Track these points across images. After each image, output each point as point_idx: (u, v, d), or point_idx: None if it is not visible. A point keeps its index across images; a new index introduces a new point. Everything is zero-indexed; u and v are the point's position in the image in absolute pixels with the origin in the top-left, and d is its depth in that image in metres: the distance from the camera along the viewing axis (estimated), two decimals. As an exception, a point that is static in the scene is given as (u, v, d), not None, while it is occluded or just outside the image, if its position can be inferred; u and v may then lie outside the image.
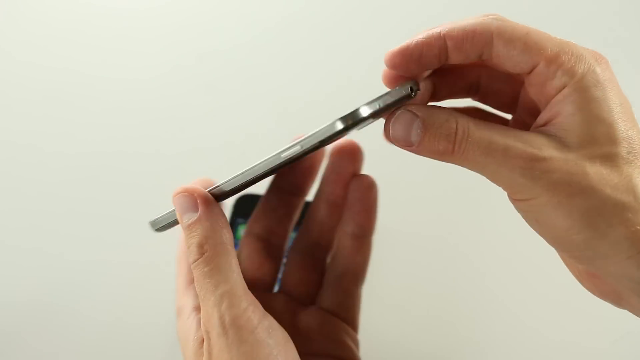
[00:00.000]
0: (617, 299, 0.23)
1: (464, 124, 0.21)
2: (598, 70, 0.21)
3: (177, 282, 0.29)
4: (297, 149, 0.21)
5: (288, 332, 0.25)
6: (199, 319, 0.25)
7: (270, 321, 0.24)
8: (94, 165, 0.52)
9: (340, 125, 0.20)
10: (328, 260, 0.31)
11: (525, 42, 0.20)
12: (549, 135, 0.21)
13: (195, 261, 0.24)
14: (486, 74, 0.25)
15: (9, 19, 0.59)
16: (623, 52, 0.55)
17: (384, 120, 0.23)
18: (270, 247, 0.30)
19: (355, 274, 0.30)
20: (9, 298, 0.46)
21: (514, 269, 0.45)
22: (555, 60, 0.20)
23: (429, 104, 0.24)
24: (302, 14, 0.59)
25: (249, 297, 0.24)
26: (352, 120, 0.20)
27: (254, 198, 0.33)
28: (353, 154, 0.30)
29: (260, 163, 0.23)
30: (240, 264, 0.29)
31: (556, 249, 0.22)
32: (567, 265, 0.25)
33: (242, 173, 0.24)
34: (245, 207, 0.41)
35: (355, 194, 0.30)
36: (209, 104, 0.55)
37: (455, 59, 0.22)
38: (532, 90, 0.22)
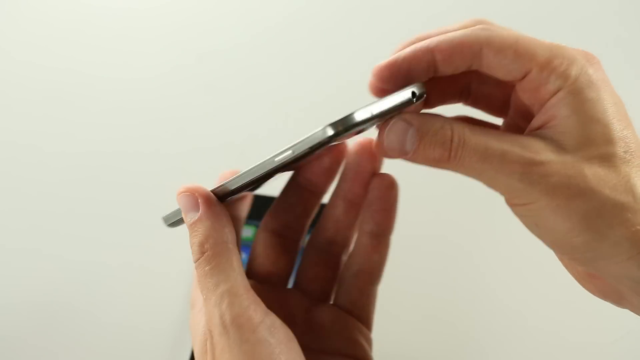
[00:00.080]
0: (618, 299, 0.23)
1: (459, 131, 0.21)
2: (591, 71, 0.20)
3: (194, 274, 0.29)
4: (289, 154, 0.21)
5: (301, 329, 0.24)
6: None
7: (272, 319, 0.23)
8: (94, 165, 0.52)
9: (330, 132, 0.20)
10: (343, 258, 0.31)
11: (516, 50, 0.20)
12: (545, 138, 0.21)
13: (197, 260, 0.24)
14: (476, 79, 0.25)
15: (9, 19, 0.59)
16: (623, 53, 0.55)
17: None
18: (286, 242, 0.30)
19: (371, 273, 0.30)
20: (8, 299, 0.46)
21: (516, 269, 0.45)
22: (548, 65, 0.20)
23: (422, 111, 0.24)
24: (302, 14, 0.59)
25: (251, 295, 0.24)
26: (343, 127, 0.20)
27: (267, 200, 0.33)
28: (373, 153, 0.30)
29: (257, 165, 0.23)
30: (255, 259, 0.29)
31: (556, 252, 0.22)
32: (566, 267, 0.25)
33: (242, 174, 0.24)
34: (258, 209, 0.40)
35: (375, 192, 0.29)
36: (209, 104, 0.55)
37: (444, 71, 0.22)
38: (524, 95, 0.22)
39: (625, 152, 0.20)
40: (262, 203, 0.33)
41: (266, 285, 0.28)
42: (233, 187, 0.25)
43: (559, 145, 0.20)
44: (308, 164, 0.30)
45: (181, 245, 0.46)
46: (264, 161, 0.22)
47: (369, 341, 0.30)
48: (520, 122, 0.24)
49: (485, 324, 0.44)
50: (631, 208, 0.20)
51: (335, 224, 0.30)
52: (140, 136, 0.53)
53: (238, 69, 0.56)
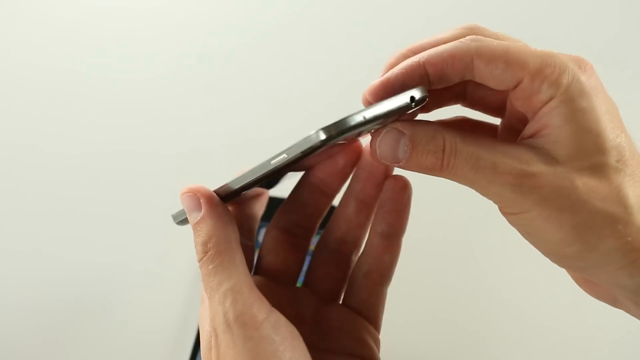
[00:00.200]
0: (613, 302, 0.24)
1: (451, 140, 0.21)
2: (583, 78, 0.20)
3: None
4: (284, 157, 0.21)
5: (309, 327, 0.24)
6: None
7: (276, 317, 0.23)
8: (94, 165, 0.52)
9: (322, 136, 0.19)
10: (354, 258, 0.31)
11: (506, 60, 0.20)
12: (537, 148, 0.21)
13: (201, 259, 0.24)
14: (472, 84, 0.25)
15: (8, 18, 0.59)
16: (620, 52, 0.55)
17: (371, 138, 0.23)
18: (296, 241, 0.30)
19: (381, 274, 0.30)
20: (8, 299, 0.46)
21: (521, 268, 0.45)
22: (539, 74, 0.20)
23: (416, 117, 0.24)
24: (302, 14, 0.59)
25: (254, 293, 0.24)
26: (336, 131, 0.20)
27: (280, 201, 0.33)
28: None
29: (254, 168, 0.23)
30: (264, 256, 0.29)
31: (550, 259, 0.23)
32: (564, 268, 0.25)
33: (241, 176, 0.24)
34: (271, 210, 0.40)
35: (388, 193, 0.30)
36: (209, 104, 0.55)
37: (437, 84, 0.22)
38: (517, 103, 0.22)
39: (617, 160, 0.20)
40: (275, 205, 0.33)
41: (275, 282, 0.28)
42: (235, 188, 0.25)
43: (550, 156, 0.20)
44: (321, 163, 0.30)
45: (181, 245, 0.46)
46: (261, 163, 0.22)
47: (377, 342, 0.30)
48: (516, 124, 0.24)
49: (492, 322, 0.44)
50: (622, 219, 0.20)
51: (347, 223, 0.31)
52: (140, 136, 0.53)
53: (238, 69, 0.56)
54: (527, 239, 0.22)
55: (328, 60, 0.57)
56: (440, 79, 0.22)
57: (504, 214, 0.22)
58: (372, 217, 0.31)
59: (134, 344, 0.44)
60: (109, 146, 0.53)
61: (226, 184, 0.25)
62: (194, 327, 0.44)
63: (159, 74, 0.56)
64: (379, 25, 0.58)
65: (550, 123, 0.20)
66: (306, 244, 0.31)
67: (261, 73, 0.56)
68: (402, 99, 0.21)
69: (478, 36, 0.21)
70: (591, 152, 0.20)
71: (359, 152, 0.30)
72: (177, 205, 0.27)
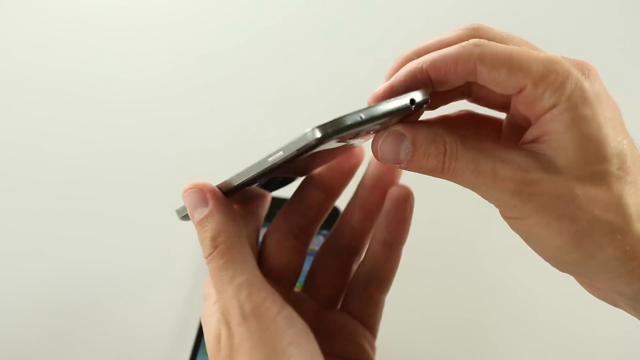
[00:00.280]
0: (613, 304, 0.24)
1: (452, 144, 0.21)
2: (586, 85, 0.20)
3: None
4: (280, 154, 0.21)
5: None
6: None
7: (290, 311, 0.24)
8: (93, 165, 0.52)
9: (318, 134, 0.19)
10: (354, 266, 0.32)
11: (509, 67, 0.20)
12: (538, 154, 0.21)
13: (210, 255, 0.25)
14: (476, 83, 0.25)
15: (8, 18, 0.59)
16: (625, 52, 0.55)
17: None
18: (296, 244, 0.30)
19: (381, 281, 0.31)
20: (8, 299, 0.46)
21: (522, 265, 0.45)
22: (542, 81, 0.20)
23: (421, 114, 0.24)
24: (302, 14, 0.59)
25: (267, 287, 0.24)
26: (332, 129, 0.19)
27: (277, 201, 0.33)
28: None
29: (253, 165, 0.23)
30: (265, 259, 0.29)
31: (550, 264, 0.23)
32: None
33: (240, 173, 0.24)
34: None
35: (391, 202, 0.30)
36: (209, 104, 0.55)
37: (441, 88, 0.22)
38: (521, 107, 0.22)
39: (619, 168, 0.20)
40: (277, 205, 0.33)
41: (276, 284, 0.28)
42: (234, 184, 0.25)
43: (551, 163, 0.21)
44: (323, 166, 0.30)
45: (182, 244, 0.46)
46: (259, 161, 0.22)
47: (373, 348, 0.30)
48: (521, 121, 0.24)
49: (496, 320, 0.45)
50: (621, 229, 0.20)
51: (351, 231, 0.31)
52: (140, 136, 0.53)
53: (238, 69, 0.56)
54: (527, 244, 0.23)
55: (328, 60, 0.57)
56: (443, 83, 0.22)
57: (505, 218, 0.22)
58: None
59: (134, 343, 0.44)
60: (108, 146, 0.53)
61: (225, 181, 0.25)
62: (195, 326, 0.44)
63: (159, 74, 0.56)
64: (379, 24, 0.58)
65: (552, 130, 0.20)
66: (306, 247, 0.31)
67: (261, 73, 0.56)
68: (402, 101, 0.21)
69: (481, 40, 0.21)
70: (592, 161, 0.20)
71: (359, 155, 0.30)
72: (178, 204, 0.27)
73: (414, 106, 0.21)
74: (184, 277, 0.46)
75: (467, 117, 0.27)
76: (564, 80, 0.20)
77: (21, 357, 0.44)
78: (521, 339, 0.44)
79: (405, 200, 0.30)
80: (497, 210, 0.22)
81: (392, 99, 0.21)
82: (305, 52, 0.57)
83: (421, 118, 0.25)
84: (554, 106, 0.20)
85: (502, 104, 0.25)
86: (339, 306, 0.31)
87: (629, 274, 0.21)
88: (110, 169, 0.51)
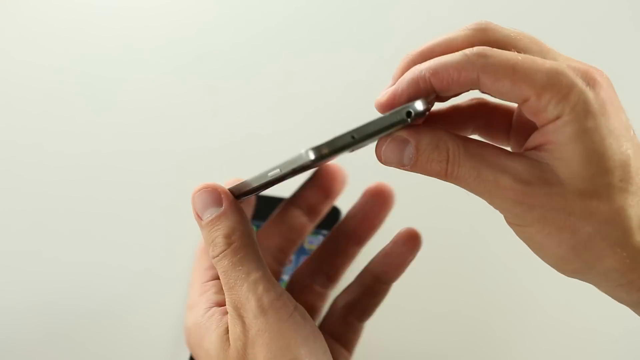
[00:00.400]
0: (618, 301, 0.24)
1: (455, 151, 0.21)
2: (590, 96, 0.20)
3: (194, 277, 0.29)
4: (277, 172, 0.22)
5: None
6: (220, 313, 0.26)
7: (302, 309, 0.25)
8: (93, 164, 0.52)
9: (312, 156, 0.20)
10: (329, 291, 0.32)
11: (513, 80, 0.20)
12: (540, 163, 0.21)
13: (222, 252, 0.25)
14: None
15: (8, 18, 0.59)
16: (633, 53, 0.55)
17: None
18: (275, 265, 0.31)
19: (363, 311, 0.32)
20: (8, 300, 0.46)
21: (522, 264, 0.45)
22: (545, 93, 0.20)
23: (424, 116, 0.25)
24: (303, 13, 0.59)
25: (280, 286, 0.25)
26: (328, 150, 0.20)
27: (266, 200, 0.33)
28: (385, 199, 0.32)
29: (255, 177, 0.24)
30: None
31: (554, 269, 0.23)
32: None
33: (243, 183, 0.25)
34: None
35: (399, 247, 0.31)
36: (209, 103, 0.55)
37: (445, 95, 0.22)
38: (526, 113, 0.22)
39: (621, 180, 0.20)
40: (271, 204, 0.33)
41: None
42: (237, 193, 0.26)
43: (553, 173, 0.21)
44: (307, 187, 0.31)
45: (182, 244, 0.46)
46: (260, 174, 0.23)
47: None
48: (528, 120, 0.24)
49: (496, 317, 0.44)
50: (620, 242, 0.21)
51: (333, 258, 0.32)
52: (140, 135, 0.53)
53: (238, 68, 0.56)
54: (531, 250, 0.23)
55: (328, 59, 0.57)
56: (447, 91, 0.22)
57: (509, 224, 0.23)
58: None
59: (134, 343, 0.44)
60: (108, 145, 0.52)
61: (235, 186, 0.26)
62: (194, 327, 0.44)
63: (159, 74, 0.56)
64: (380, 23, 0.58)
65: (555, 140, 0.21)
66: (282, 268, 0.32)
67: (261, 72, 0.56)
68: (397, 117, 0.21)
69: (485, 49, 0.21)
70: (594, 174, 0.20)
71: (344, 180, 0.31)
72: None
73: (409, 119, 0.21)
74: (185, 277, 0.46)
75: (478, 107, 0.27)
76: (568, 92, 0.20)
77: (21, 357, 0.44)
78: (521, 337, 0.44)
79: (414, 249, 0.31)
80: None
81: (388, 113, 0.21)
82: (305, 51, 0.57)
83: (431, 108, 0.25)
84: (557, 118, 0.20)
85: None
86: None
87: (629, 284, 0.21)
88: (110, 168, 0.51)
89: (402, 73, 0.23)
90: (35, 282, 0.46)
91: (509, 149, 0.26)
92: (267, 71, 0.56)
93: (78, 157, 0.52)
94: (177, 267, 0.46)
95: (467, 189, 0.22)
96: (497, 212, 0.23)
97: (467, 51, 0.21)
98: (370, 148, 0.24)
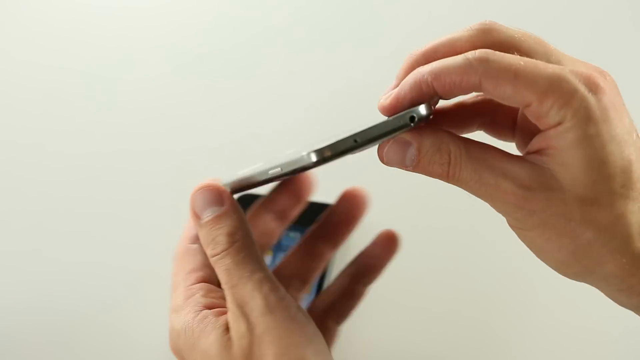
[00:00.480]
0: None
1: (456, 154, 0.21)
2: (592, 103, 0.20)
3: (175, 280, 0.29)
4: (278, 170, 0.22)
5: None
6: (213, 315, 0.25)
7: (304, 310, 0.25)
8: (93, 164, 0.52)
9: (314, 158, 0.20)
10: (300, 294, 0.33)
11: (514, 85, 0.20)
12: (542, 167, 0.21)
13: (224, 250, 0.25)
14: None
15: (9, 18, 0.59)
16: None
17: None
18: None
19: (340, 314, 0.32)
20: (8, 300, 0.46)
21: (522, 263, 0.45)
22: (547, 99, 0.20)
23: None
24: (302, 13, 0.59)
25: (282, 286, 0.25)
26: (331, 153, 0.20)
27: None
28: (359, 203, 0.32)
29: (255, 173, 0.24)
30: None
31: (556, 271, 0.23)
32: None
33: (243, 177, 0.25)
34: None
35: (377, 249, 0.32)
36: (209, 103, 0.55)
37: (448, 98, 0.22)
38: (529, 116, 0.22)
39: (622, 186, 0.20)
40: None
41: None
42: (232, 189, 0.26)
43: (554, 178, 0.21)
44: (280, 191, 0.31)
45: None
46: (260, 171, 0.24)
47: None
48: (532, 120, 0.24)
49: (496, 316, 0.44)
50: (620, 249, 0.21)
51: (300, 262, 0.32)
52: (140, 135, 0.53)
53: (237, 67, 0.56)
54: (533, 253, 0.23)
55: (328, 59, 0.57)
56: (449, 95, 0.22)
57: (510, 226, 0.23)
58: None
59: (134, 342, 0.44)
60: (108, 145, 0.53)
61: (227, 182, 0.26)
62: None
63: (159, 73, 0.56)
64: (379, 23, 0.58)
65: (556, 145, 0.20)
66: None
67: (261, 72, 0.56)
68: (400, 121, 0.21)
69: (487, 53, 0.20)
70: (595, 181, 0.20)
71: (312, 184, 0.32)
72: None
73: (413, 124, 0.21)
74: (184, 277, 0.46)
75: (483, 103, 0.26)
76: (569, 98, 0.20)
77: (21, 357, 0.44)
78: (521, 337, 0.44)
79: (392, 252, 0.32)
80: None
81: (391, 117, 0.21)
82: (305, 51, 0.57)
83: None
84: (559, 124, 0.20)
85: None
86: None
87: (629, 289, 0.22)
88: (110, 168, 0.51)
89: (406, 74, 0.23)
90: (35, 282, 0.46)
91: (514, 144, 0.26)
92: (267, 71, 0.56)
93: (78, 157, 0.52)
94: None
95: (468, 192, 0.22)
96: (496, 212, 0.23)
97: (469, 55, 0.21)
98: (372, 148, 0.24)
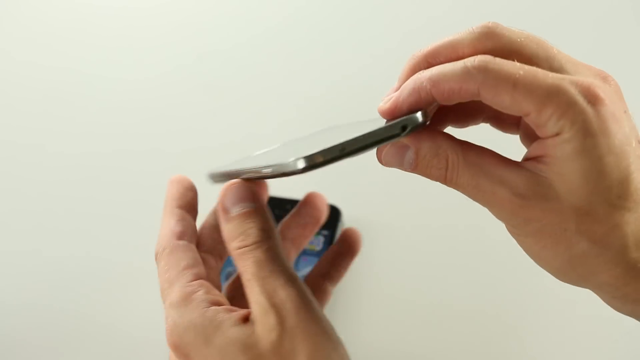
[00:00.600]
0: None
1: (454, 159, 0.21)
2: (590, 115, 0.20)
3: (169, 276, 0.28)
4: (269, 170, 0.22)
5: None
6: (224, 311, 0.25)
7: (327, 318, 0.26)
8: (93, 164, 0.52)
9: (301, 165, 0.20)
10: None
11: (512, 95, 0.20)
12: (539, 176, 0.21)
13: (255, 243, 0.25)
14: None
15: (9, 18, 0.59)
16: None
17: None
18: (211, 261, 0.31)
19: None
20: (8, 300, 0.46)
21: (522, 263, 0.45)
22: (545, 110, 0.20)
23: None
24: (302, 13, 0.59)
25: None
26: (324, 159, 0.20)
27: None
28: (318, 206, 0.33)
29: (251, 168, 0.24)
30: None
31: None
32: None
33: (242, 169, 0.25)
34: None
35: (340, 248, 0.33)
36: (209, 103, 0.55)
37: (447, 104, 0.22)
38: (528, 123, 0.22)
39: (619, 197, 0.20)
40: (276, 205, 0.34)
41: None
42: (232, 174, 0.27)
43: (551, 188, 0.21)
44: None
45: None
46: (256, 167, 0.24)
47: None
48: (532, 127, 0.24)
49: (496, 315, 0.44)
50: (614, 260, 0.21)
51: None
52: (140, 135, 0.53)
53: (237, 68, 0.56)
54: (530, 258, 0.23)
55: (327, 59, 0.57)
56: (448, 102, 0.22)
57: (509, 231, 0.23)
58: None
59: (134, 342, 0.44)
60: (108, 145, 0.52)
61: (228, 171, 0.26)
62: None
63: (159, 73, 0.56)
64: (379, 23, 0.58)
65: (554, 155, 0.20)
66: (220, 265, 0.31)
67: (261, 72, 0.56)
68: (390, 131, 0.21)
69: (486, 60, 0.20)
70: (591, 192, 0.20)
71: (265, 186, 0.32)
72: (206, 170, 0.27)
73: (403, 134, 0.21)
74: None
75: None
76: (567, 110, 0.20)
77: (21, 356, 0.44)
78: (521, 336, 0.44)
79: (355, 252, 0.33)
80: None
81: (382, 127, 0.21)
82: (305, 51, 0.57)
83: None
84: (557, 134, 0.20)
85: None
86: None
87: (624, 297, 0.22)
88: (110, 168, 0.51)
89: (407, 76, 0.23)
90: (35, 282, 0.46)
91: (517, 136, 0.26)
92: (267, 71, 0.56)
93: (78, 157, 0.52)
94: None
95: (467, 196, 0.22)
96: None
97: (469, 62, 0.20)
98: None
